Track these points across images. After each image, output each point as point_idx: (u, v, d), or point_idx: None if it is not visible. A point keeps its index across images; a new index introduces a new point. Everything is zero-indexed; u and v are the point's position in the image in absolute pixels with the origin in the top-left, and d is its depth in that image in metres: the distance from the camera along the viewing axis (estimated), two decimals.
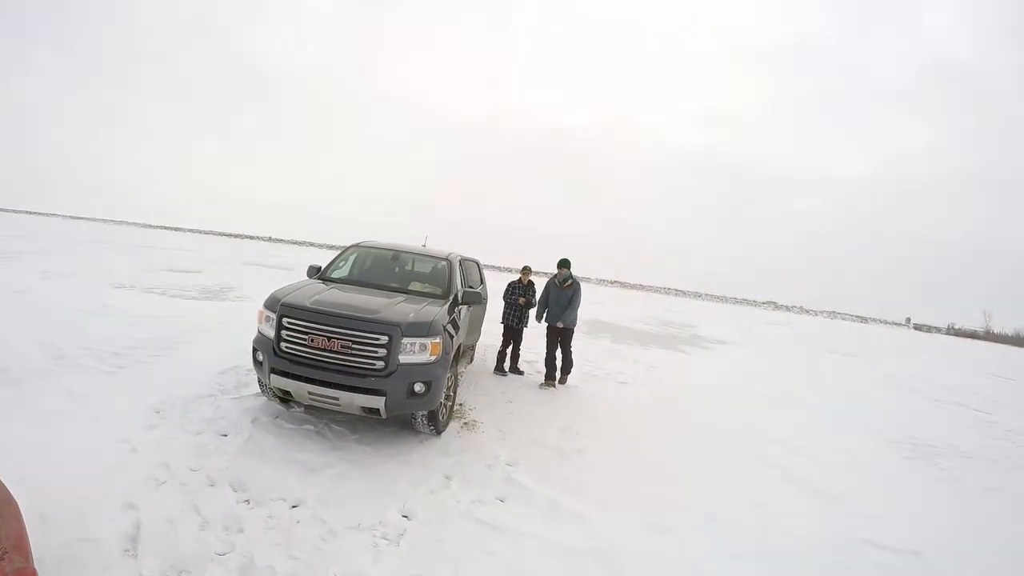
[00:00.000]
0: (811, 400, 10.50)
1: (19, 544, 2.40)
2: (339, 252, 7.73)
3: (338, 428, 5.72)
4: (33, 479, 3.42)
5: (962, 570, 4.57)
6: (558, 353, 9.00)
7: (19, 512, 2.65)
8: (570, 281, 8.89)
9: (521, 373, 9.54)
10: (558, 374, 9.05)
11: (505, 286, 9.88)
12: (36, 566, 2.40)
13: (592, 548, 4.17)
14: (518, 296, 9.45)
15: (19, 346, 6.87)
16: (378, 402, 5.12)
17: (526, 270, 9.84)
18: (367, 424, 5.90)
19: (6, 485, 2.80)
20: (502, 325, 9.59)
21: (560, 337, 8.97)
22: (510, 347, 9.57)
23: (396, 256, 7.77)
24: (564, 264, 8.93)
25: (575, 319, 8.93)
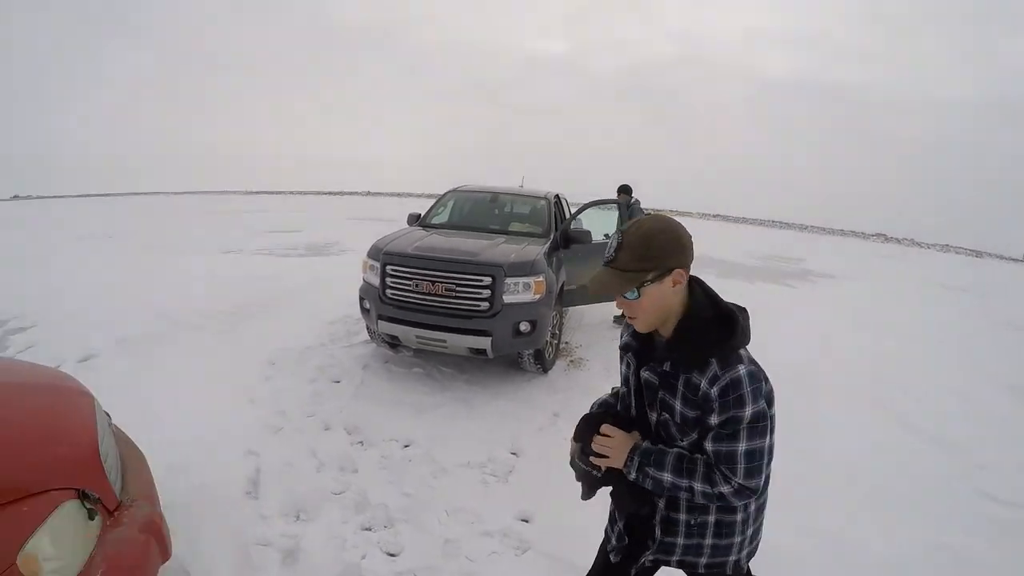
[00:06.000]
0: (923, 337, 9.66)
1: (147, 492, 2.51)
2: (437, 199, 7.73)
3: (446, 370, 5.76)
4: (159, 433, 3.58)
5: None
6: None
7: (146, 463, 2.79)
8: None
9: None
10: None
11: None
12: (163, 511, 2.49)
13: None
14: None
15: (138, 316, 7.26)
16: (484, 342, 5.10)
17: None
18: (474, 365, 5.91)
19: (133, 440, 2.96)
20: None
21: None
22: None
23: (494, 198, 7.68)
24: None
25: None
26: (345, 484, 3.78)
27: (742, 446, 1.49)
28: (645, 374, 1.67)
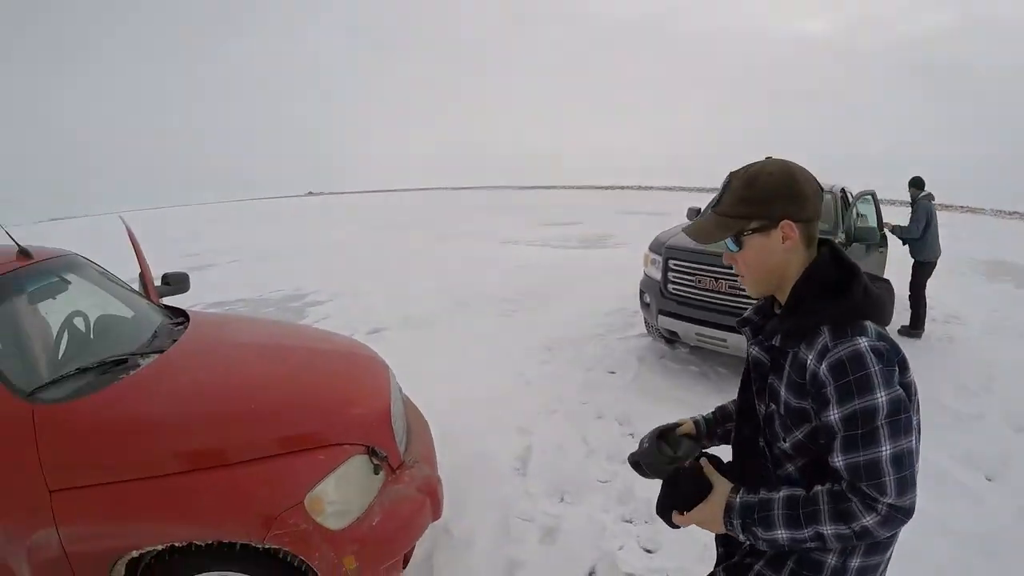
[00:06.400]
0: None
1: (427, 456, 2.80)
2: (717, 192, 7.41)
3: (723, 371, 5.45)
4: (441, 403, 3.95)
5: None
6: None
7: (429, 430, 3.11)
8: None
9: None
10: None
11: None
12: (440, 474, 2.72)
13: (980, 532, 3.26)
14: None
15: (425, 297, 8.09)
16: None
17: None
18: None
19: (418, 408, 3.29)
20: None
21: None
22: None
23: None
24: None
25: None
26: (612, 474, 3.79)
27: (886, 449, 1.05)
28: (753, 351, 1.32)
